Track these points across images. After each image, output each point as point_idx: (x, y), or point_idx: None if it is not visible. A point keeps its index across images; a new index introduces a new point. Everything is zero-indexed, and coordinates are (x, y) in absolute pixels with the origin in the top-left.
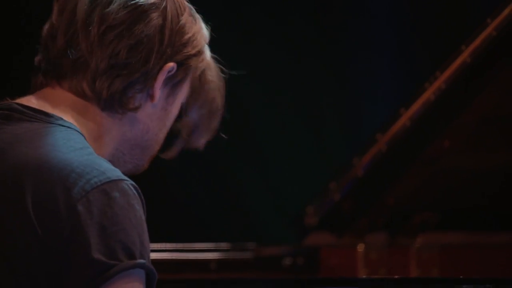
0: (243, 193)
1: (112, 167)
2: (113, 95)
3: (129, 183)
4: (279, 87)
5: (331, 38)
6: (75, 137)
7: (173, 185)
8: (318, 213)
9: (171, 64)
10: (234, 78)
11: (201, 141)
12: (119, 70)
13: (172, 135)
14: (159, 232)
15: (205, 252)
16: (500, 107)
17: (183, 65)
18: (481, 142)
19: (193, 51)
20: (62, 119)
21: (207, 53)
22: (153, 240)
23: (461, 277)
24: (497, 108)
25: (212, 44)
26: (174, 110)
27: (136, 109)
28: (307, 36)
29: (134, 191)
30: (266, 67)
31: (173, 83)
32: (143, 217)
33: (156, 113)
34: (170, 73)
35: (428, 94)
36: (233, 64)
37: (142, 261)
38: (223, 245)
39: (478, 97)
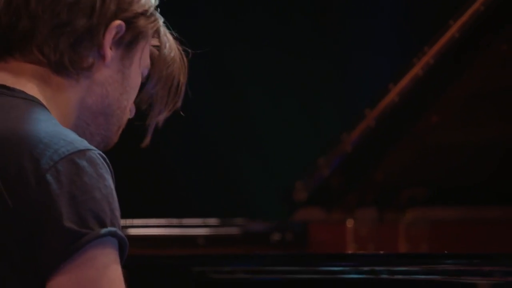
0: (232, 169)
1: (79, 138)
2: (62, 55)
3: (96, 152)
4: (273, 65)
5: (324, 8)
6: (39, 109)
7: (162, 161)
8: (307, 188)
9: (117, 22)
10: (227, 58)
11: (159, 118)
12: (62, 28)
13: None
14: (147, 207)
15: (193, 227)
16: (488, 81)
17: (131, 24)
18: (469, 117)
19: (140, 10)
20: (24, 92)
21: (160, 21)
22: (140, 215)
23: (448, 252)
24: (485, 83)
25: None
26: (134, 75)
27: (89, 68)
28: (300, 9)
29: (102, 160)
30: (260, 46)
31: (125, 44)
32: (112, 186)
33: (113, 76)
34: (120, 33)
35: (417, 69)
36: (226, 42)
37: (113, 229)
38: (211, 220)
39: (466, 72)
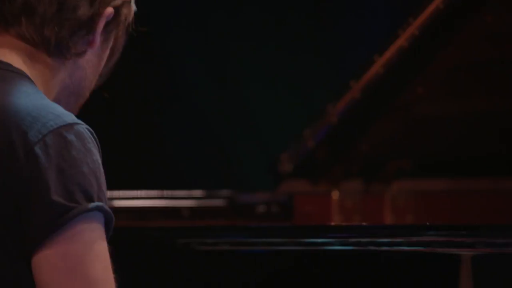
0: (219, 141)
1: (67, 112)
2: (61, 40)
3: (84, 126)
4: (264, 40)
5: None
6: (27, 83)
7: (148, 132)
8: (292, 160)
9: (110, 10)
10: (217, 24)
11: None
12: (68, 14)
13: None
14: (132, 178)
15: (178, 199)
16: (473, 53)
17: (117, 12)
18: (455, 89)
19: None
20: (10, 65)
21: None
22: (125, 187)
23: (432, 223)
24: (470, 55)
25: None
26: (105, 58)
27: (80, 54)
28: None
29: (90, 135)
30: (251, 22)
31: (107, 30)
32: (100, 161)
33: (93, 60)
34: (108, 19)
35: (401, 41)
36: (218, 19)
37: (100, 204)
38: (197, 192)
39: (452, 43)
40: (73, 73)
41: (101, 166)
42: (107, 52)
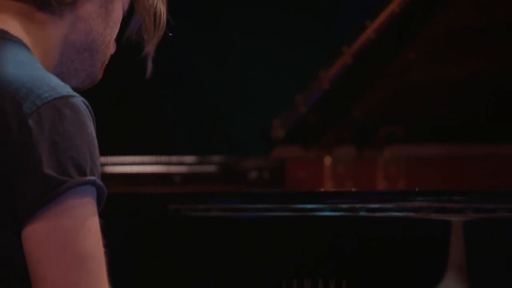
0: (211, 106)
1: (63, 83)
2: None
3: (80, 99)
4: (257, 3)
5: None
6: (23, 52)
7: (140, 98)
8: (284, 126)
9: None
10: None
11: (149, 48)
12: None
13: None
14: (124, 144)
15: (169, 165)
16: (464, 19)
17: None
18: (446, 54)
19: None
20: (7, 32)
21: None
22: (117, 153)
23: (422, 189)
24: (461, 20)
25: None
26: (116, 9)
27: (73, 3)
28: None
29: (85, 107)
30: None
31: None
32: (94, 134)
33: (96, 11)
34: None
35: (393, 6)
36: None
37: (92, 178)
38: (188, 158)
39: (443, 8)
40: (75, 27)
41: (95, 139)
42: (117, 1)
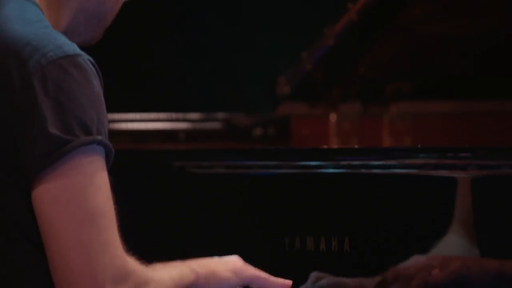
0: (217, 63)
1: (69, 42)
2: None
3: (86, 58)
4: None
5: None
6: (32, 9)
7: (146, 55)
8: (290, 82)
9: None
10: None
11: None
12: None
13: None
14: (129, 101)
15: (174, 122)
16: None
17: None
18: (453, 9)
19: None
20: None
21: None
22: (122, 109)
23: (428, 146)
24: None
25: None
26: None
27: None
28: None
29: (91, 66)
30: None
31: None
32: (101, 93)
33: None
34: None
35: None
36: None
37: (99, 137)
38: (193, 115)
39: None
40: None
41: (102, 98)
42: None
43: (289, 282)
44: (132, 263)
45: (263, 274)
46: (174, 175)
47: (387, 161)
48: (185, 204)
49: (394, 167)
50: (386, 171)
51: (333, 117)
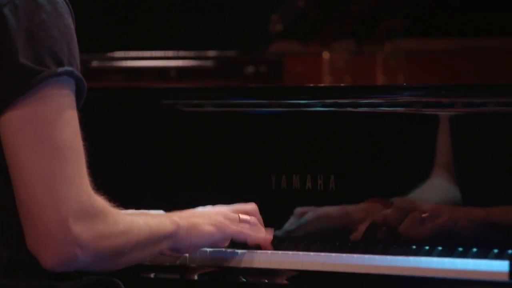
0: None
1: None
2: None
3: None
4: None
5: None
6: None
7: None
8: (282, 20)
9: None
10: None
11: None
12: None
13: None
14: (121, 39)
15: (165, 59)
16: None
17: None
18: None
19: None
20: None
21: None
22: (113, 48)
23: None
24: None
25: None
26: None
27: None
28: None
29: (63, 1)
30: None
31: None
32: (72, 26)
33: None
34: None
35: None
36: None
37: (70, 68)
38: (184, 52)
39: None
40: None
41: (73, 32)
42: None
43: (270, 236)
44: (102, 202)
45: (245, 230)
46: (164, 113)
47: (373, 100)
48: (175, 142)
49: (380, 105)
50: (372, 109)
51: (326, 55)
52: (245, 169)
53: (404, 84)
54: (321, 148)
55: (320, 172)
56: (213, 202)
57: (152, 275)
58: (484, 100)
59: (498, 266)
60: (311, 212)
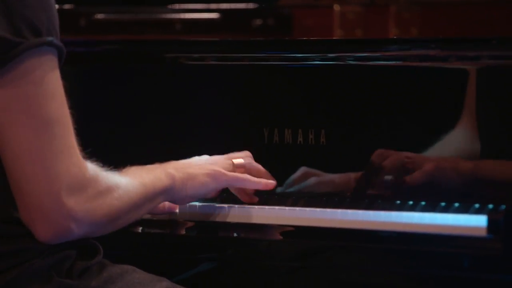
0: None
1: None
2: None
3: None
4: None
5: None
6: None
7: None
8: None
9: None
10: None
11: None
12: None
13: None
14: None
15: (171, 12)
16: None
17: None
18: None
19: None
20: None
21: None
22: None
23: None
24: None
25: None
26: None
27: None
28: None
29: None
30: None
31: None
32: None
33: None
34: None
35: None
36: None
37: (50, 38)
38: (189, 5)
39: None
40: None
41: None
42: None
43: (272, 180)
44: (93, 170)
45: (242, 175)
46: (167, 66)
47: (370, 53)
48: (176, 95)
49: (378, 59)
50: (367, 62)
51: (337, 7)
52: (238, 123)
53: (396, 37)
54: (313, 103)
55: (311, 127)
56: (208, 154)
57: (139, 229)
58: (478, 53)
59: (476, 221)
60: (314, 178)
